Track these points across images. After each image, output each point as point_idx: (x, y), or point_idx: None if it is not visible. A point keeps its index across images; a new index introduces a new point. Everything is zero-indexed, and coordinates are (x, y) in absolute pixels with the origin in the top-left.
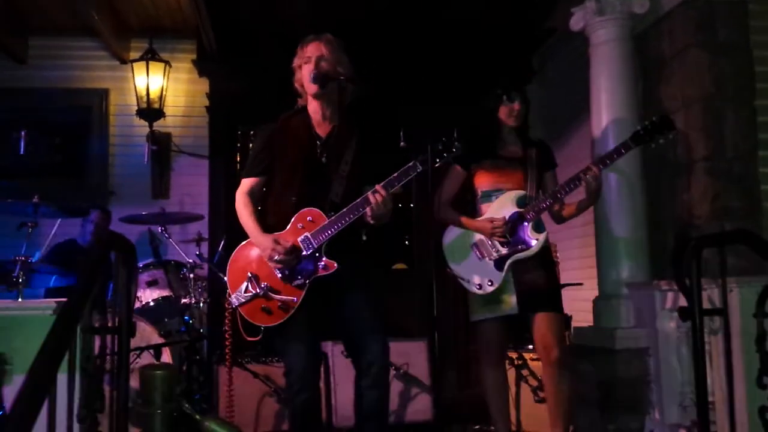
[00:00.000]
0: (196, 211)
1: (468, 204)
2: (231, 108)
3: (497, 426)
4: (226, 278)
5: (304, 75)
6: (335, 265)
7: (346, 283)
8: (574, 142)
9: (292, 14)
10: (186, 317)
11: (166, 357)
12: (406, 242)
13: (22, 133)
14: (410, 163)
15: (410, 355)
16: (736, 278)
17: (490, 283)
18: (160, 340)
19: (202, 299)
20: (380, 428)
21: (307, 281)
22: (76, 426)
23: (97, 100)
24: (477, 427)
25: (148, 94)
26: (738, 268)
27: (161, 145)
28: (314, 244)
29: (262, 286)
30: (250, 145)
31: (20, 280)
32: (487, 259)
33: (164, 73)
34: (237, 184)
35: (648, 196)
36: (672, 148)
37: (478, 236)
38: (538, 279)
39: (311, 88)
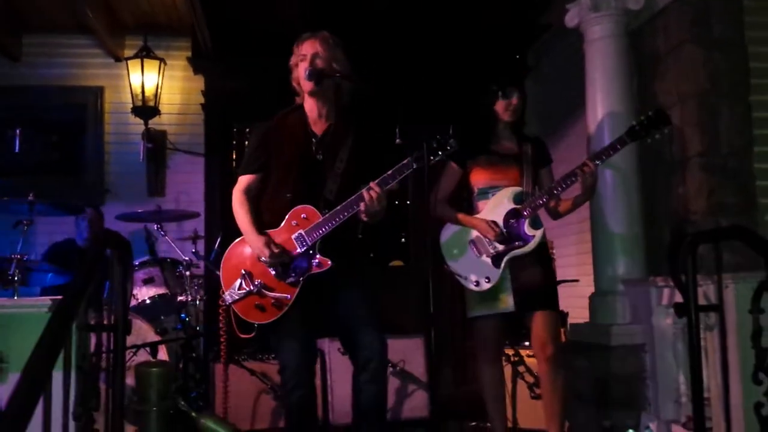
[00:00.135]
0: (192, 208)
1: (464, 201)
2: (226, 105)
3: (494, 423)
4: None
5: (300, 72)
6: (329, 262)
7: (341, 280)
8: (569, 138)
9: (287, 12)
10: (182, 315)
11: (163, 354)
12: (403, 239)
13: (17, 131)
14: (405, 161)
15: (407, 352)
16: (731, 274)
17: (487, 280)
18: (157, 338)
19: (198, 297)
20: (378, 423)
21: (301, 279)
22: (71, 424)
23: (92, 97)
24: (473, 423)
25: (143, 91)
26: (733, 264)
27: (157, 143)
28: (308, 241)
29: (256, 283)
30: (246, 142)
31: (16, 279)
32: (484, 255)
33: (159, 70)
34: (233, 182)
35: (644, 193)
36: (667, 144)
37: (474, 233)
38: (534, 276)
39: (306, 85)
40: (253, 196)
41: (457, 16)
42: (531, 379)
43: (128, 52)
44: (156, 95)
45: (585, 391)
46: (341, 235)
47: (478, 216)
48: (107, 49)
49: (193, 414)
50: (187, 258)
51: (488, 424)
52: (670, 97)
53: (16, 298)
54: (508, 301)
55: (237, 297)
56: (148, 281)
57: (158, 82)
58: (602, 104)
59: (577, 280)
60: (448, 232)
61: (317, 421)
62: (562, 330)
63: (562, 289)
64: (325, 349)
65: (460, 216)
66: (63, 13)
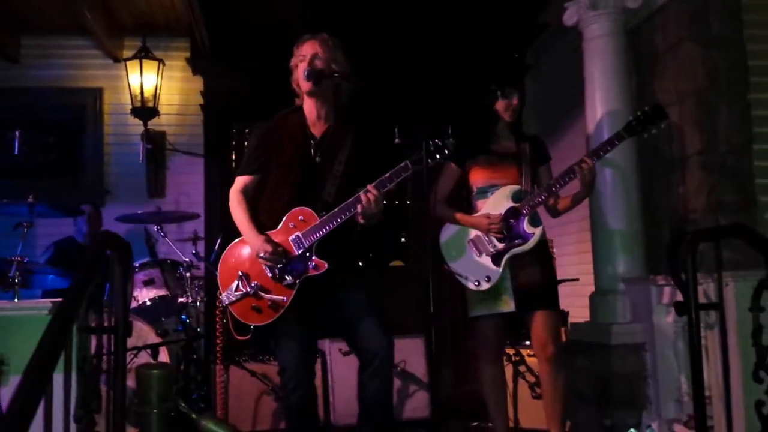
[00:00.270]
0: (192, 209)
1: (463, 200)
2: (225, 106)
3: (495, 422)
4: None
5: (299, 73)
6: (325, 265)
7: (339, 283)
8: (568, 136)
9: (286, 11)
10: (183, 316)
11: (164, 356)
12: (403, 239)
13: (17, 132)
14: (402, 164)
15: (407, 352)
16: (731, 272)
17: (487, 279)
18: (157, 340)
19: (198, 298)
20: (384, 419)
21: (297, 281)
22: (72, 426)
23: (90, 99)
24: (475, 423)
25: (142, 92)
26: (733, 262)
27: (156, 144)
28: (305, 243)
29: (253, 285)
30: (245, 143)
31: (16, 281)
32: (484, 255)
33: (158, 71)
34: (232, 183)
35: (643, 191)
36: (667, 142)
37: (474, 232)
38: (534, 275)
39: (305, 85)
40: (250, 197)
41: (455, 16)
42: (532, 379)
43: (127, 53)
44: (155, 96)
45: (586, 390)
46: (338, 238)
47: (476, 215)
48: (106, 50)
49: (194, 416)
50: (187, 259)
51: (489, 424)
52: (669, 95)
53: (16, 300)
54: (508, 301)
55: (234, 298)
56: (148, 283)
57: (157, 83)
58: (601, 102)
59: (577, 279)
60: (448, 232)
61: (318, 422)
62: (563, 329)
63: (562, 289)
64: (326, 350)
65: (459, 215)
66: (62, 14)
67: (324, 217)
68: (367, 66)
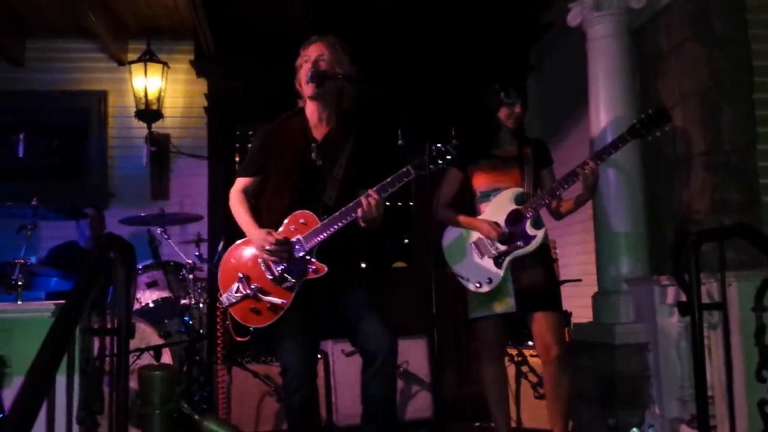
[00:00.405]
0: (196, 211)
1: (467, 203)
2: (229, 108)
3: (497, 423)
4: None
5: (303, 75)
6: (326, 268)
7: (340, 286)
8: (572, 137)
9: (289, 13)
10: (186, 318)
11: (166, 358)
12: (406, 240)
13: (21, 135)
14: (404, 169)
15: (410, 352)
16: (734, 272)
17: (488, 281)
18: (160, 341)
19: (201, 300)
20: (387, 419)
21: (297, 284)
22: (75, 428)
23: (95, 101)
24: (477, 424)
25: (146, 95)
26: (736, 261)
27: (160, 147)
28: (306, 247)
29: (253, 287)
30: (249, 145)
31: (19, 283)
32: (486, 257)
33: (162, 74)
34: None
35: (647, 192)
36: (670, 143)
37: (476, 235)
38: (536, 277)
39: (308, 88)
40: (250, 198)
41: (459, 16)
42: (534, 379)
43: (131, 56)
44: (159, 99)
45: (589, 390)
46: (339, 241)
47: (479, 218)
48: (110, 54)
49: (197, 417)
50: (190, 261)
51: (492, 424)
52: (673, 95)
53: (19, 302)
54: (509, 302)
55: (234, 300)
56: (151, 285)
57: (161, 86)
58: (605, 103)
59: (579, 280)
60: (450, 234)
61: (319, 422)
62: (566, 330)
63: (565, 289)
64: (329, 351)
65: (462, 218)
66: (66, 17)
67: (325, 221)
68: (370, 67)
